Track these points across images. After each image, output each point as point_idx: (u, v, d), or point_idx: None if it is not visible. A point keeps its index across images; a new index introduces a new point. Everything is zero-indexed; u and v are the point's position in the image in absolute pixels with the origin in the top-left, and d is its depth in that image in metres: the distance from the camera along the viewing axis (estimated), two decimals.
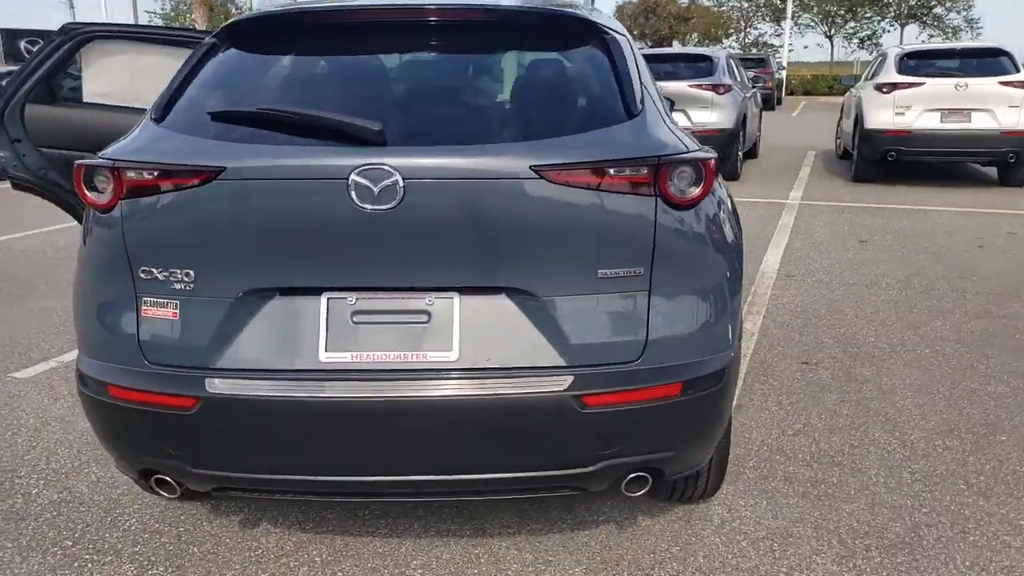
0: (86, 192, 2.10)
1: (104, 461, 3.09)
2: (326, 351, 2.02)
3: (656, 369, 2.04)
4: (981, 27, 36.06)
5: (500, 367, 1.99)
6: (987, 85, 8.98)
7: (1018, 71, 9.12)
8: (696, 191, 2.03)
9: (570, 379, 1.98)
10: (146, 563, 2.49)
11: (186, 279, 2.03)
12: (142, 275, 2.07)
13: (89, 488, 2.95)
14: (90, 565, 2.50)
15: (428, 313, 2.02)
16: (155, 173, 2.00)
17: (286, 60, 2.34)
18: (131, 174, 2.02)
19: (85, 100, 3.49)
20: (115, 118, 3.43)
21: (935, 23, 36.10)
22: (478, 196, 1.95)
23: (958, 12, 35.91)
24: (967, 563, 2.46)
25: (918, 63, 9.50)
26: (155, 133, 2.11)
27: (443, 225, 1.96)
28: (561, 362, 2.00)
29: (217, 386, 2.01)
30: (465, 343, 2.00)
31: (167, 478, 2.17)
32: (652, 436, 2.09)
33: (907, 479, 2.95)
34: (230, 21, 2.36)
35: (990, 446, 3.20)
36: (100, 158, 2.08)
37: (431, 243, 1.98)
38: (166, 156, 2.02)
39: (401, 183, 1.91)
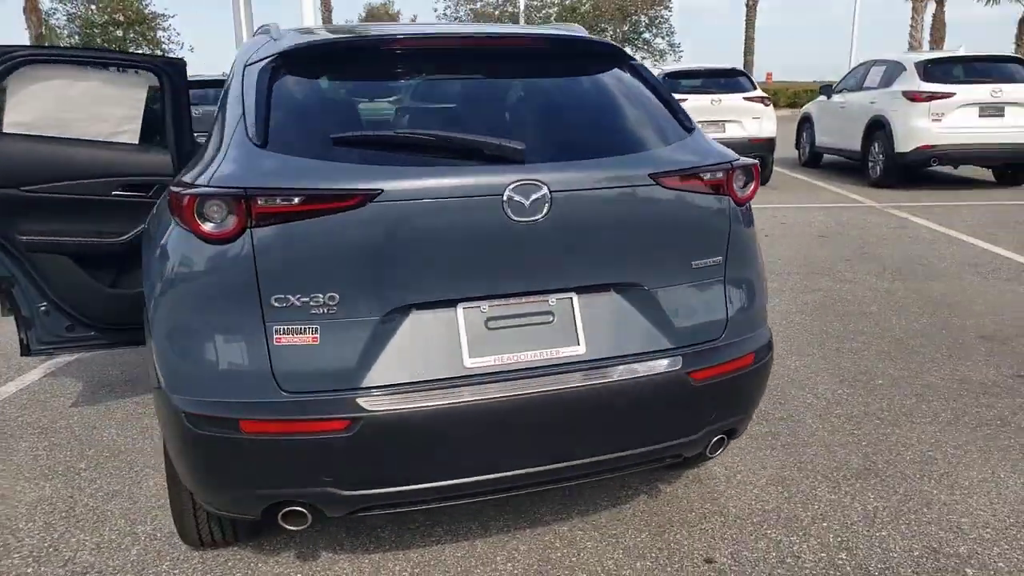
0: (199, 223, 2.02)
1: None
2: (470, 357, 2.13)
3: (735, 343, 2.41)
4: (682, 51, 42.11)
5: (622, 355, 2.24)
6: (734, 100, 10.51)
7: (755, 88, 10.79)
8: (750, 190, 2.43)
9: (680, 359, 2.28)
10: None
11: (329, 303, 2.04)
12: (275, 303, 2.04)
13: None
14: None
15: (552, 313, 2.22)
16: (300, 199, 1.99)
17: (372, 84, 2.39)
18: (263, 201, 1.99)
19: (4, 131, 3.13)
20: (33, 149, 3.13)
21: (645, 47, 41.05)
22: (605, 203, 2.19)
23: (663, 38, 41.49)
24: (915, 474, 3.11)
25: (677, 82, 10.84)
26: (276, 157, 2.08)
27: (574, 231, 2.17)
28: (670, 345, 2.29)
29: (370, 404, 2.04)
30: (589, 336, 2.22)
31: (300, 509, 2.14)
32: (737, 402, 2.45)
33: (837, 423, 3.59)
34: (306, 43, 2.35)
35: (876, 389, 3.97)
36: (217, 187, 2.01)
37: (561, 248, 2.18)
38: (311, 181, 2.01)
39: (548, 196, 2.09)
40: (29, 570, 2.62)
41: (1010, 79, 9.88)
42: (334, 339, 2.06)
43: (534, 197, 2.09)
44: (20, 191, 3.14)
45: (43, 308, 3.37)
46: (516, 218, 2.09)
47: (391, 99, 2.48)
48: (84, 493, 3.10)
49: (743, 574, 2.52)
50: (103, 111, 3.24)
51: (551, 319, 2.21)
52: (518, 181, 2.08)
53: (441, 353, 2.12)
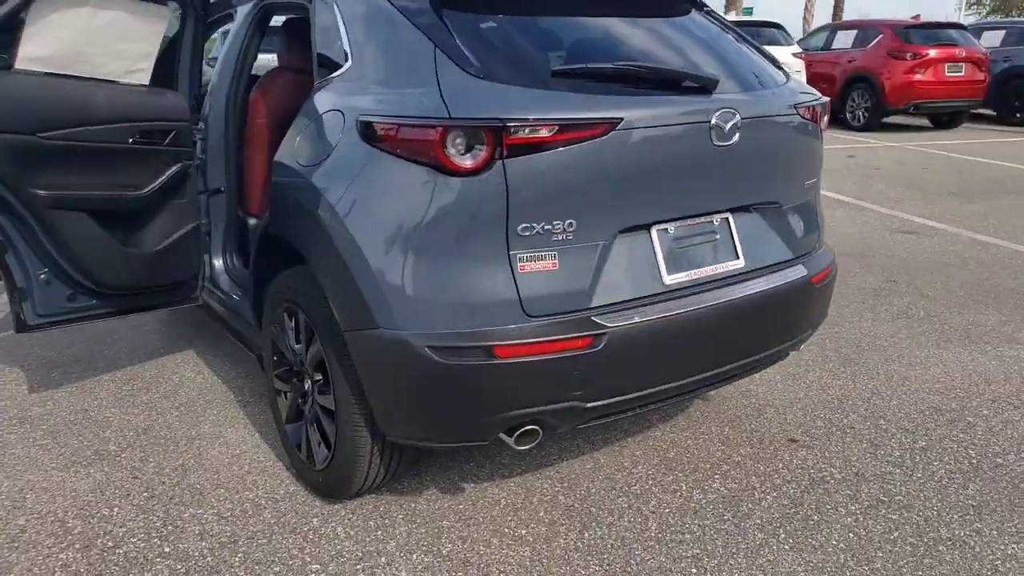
0: (448, 156, 2.03)
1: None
2: (668, 274, 2.35)
3: (825, 251, 2.85)
4: None
5: (769, 265, 2.58)
6: None
7: None
8: (826, 119, 2.86)
9: (803, 267, 2.67)
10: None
11: (568, 229, 2.15)
12: (520, 232, 2.10)
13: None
14: None
15: (716, 232, 2.50)
16: (554, 128, 2.06)
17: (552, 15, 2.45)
18: (521, 131, 2.04)
19: (16, 66, 2.69)
20: (49, 88, 2.76)
21: None
22: (769, 129, 2.49)
23: None
24: (882, 359, 3.81)
25: None
26: (513, 88, 2.11)
27: (745, 156, 2.44)
28: (795, 255, 2.67)
29: (606, 321, 2.20)
30: (745, 251, 2.53)
31: (534, 427, 2.24)
32: (825, 308, 2.89)
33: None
34: None
35: None
36: (474, 118, 2.02)
37: (733, 171, 2.44)
38: (560, 111, 2.08)
39: (740, 122, 2.35)
40: (171, 548, 2.41)
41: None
42: (570, 263, 2.17)
43: (731, 123, 2.33)
44: (38, 138, 2.73)
45: (42, 276, 2.96)
46: (717, 143, 2.32)
47: (571, 28, 2.53)
48: (147, 472, 2.84)
49: (821, 446, 3.00)
50: (123, 47, 2.89)
51: (716, 237, 2.48)
52: (722, 109, 2.31)
53: (646, 272, 2.31)
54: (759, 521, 2.54)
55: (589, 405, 2.24)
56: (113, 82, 2.92)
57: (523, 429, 2.23)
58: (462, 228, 2.09)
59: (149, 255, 3.15)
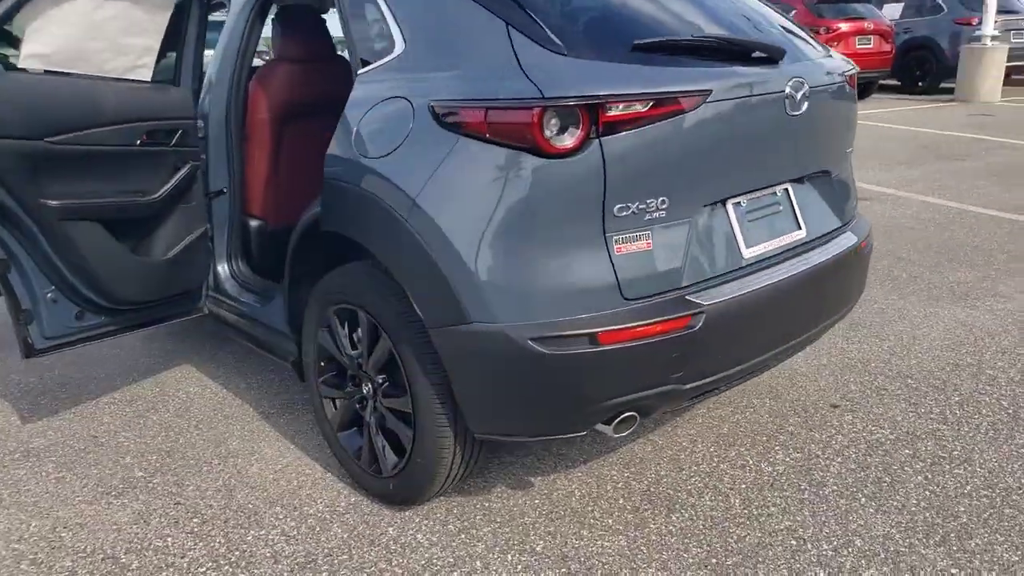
0: (544, 137, 1.95)
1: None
2: (746, 248, 2.33)
3: (863, 220, 2.89)
4: None
5: (826, 233, 2.59)
6: None
7: None
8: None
9: (851, 233, 2.70)
10: None
11: (661, 207, 2.10)
12: (617, 213, 2.04)
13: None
14: None
15: (779, 203, 2.49)
16: (649, 103, 2.00)
17: None
18: (618, 107, 1.97)
19: (20, 65, 2.44)
20: (55, 88, 2.53)
21: None
22: (827, 99, 2.48)
23: None
24: (883, 320, 3.92)
25: None
26: (602, 64, 2.03)
27: (808, 125, 2.43)
28: (842, 222, 2.70)
29: (701, 300, 2.16)
30: (805, 221, 2.53)
31: (633, 414, 2.19)
32: (866, 275, 2.92)
33: None
34: None
35: None
36: (569, 96, 1.94)
37: (798, 140, 2.43)
38: (652, 85, 2.02)
39: (808, 92, 2.34)
40: (247, 575, 2.25)
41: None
42: (663, 242, 2.12)
43: (802, 92, 2.32)
44: (45, 143, 2.49)
45: (49, 295, 2.73)
46: (790, 112, 2.31)
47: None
48: (188, 496, 2.65)
49: (864, 409, 3.05)
50: (126, 41, 2.67)
51: (780, 208, 2.47)
52: (794, 78, 2.29)
53: (728, 247, 2.28)
54: (836, 487, 2.56)
55: (687, 386, 2.19)
56: (118, 79, 2.69)
57: (622, 416, 2.17)
58: (558, 212, 2.01)
59: (160, 265, 2.94)
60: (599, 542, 2.34)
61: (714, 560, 2.24)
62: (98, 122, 2.60)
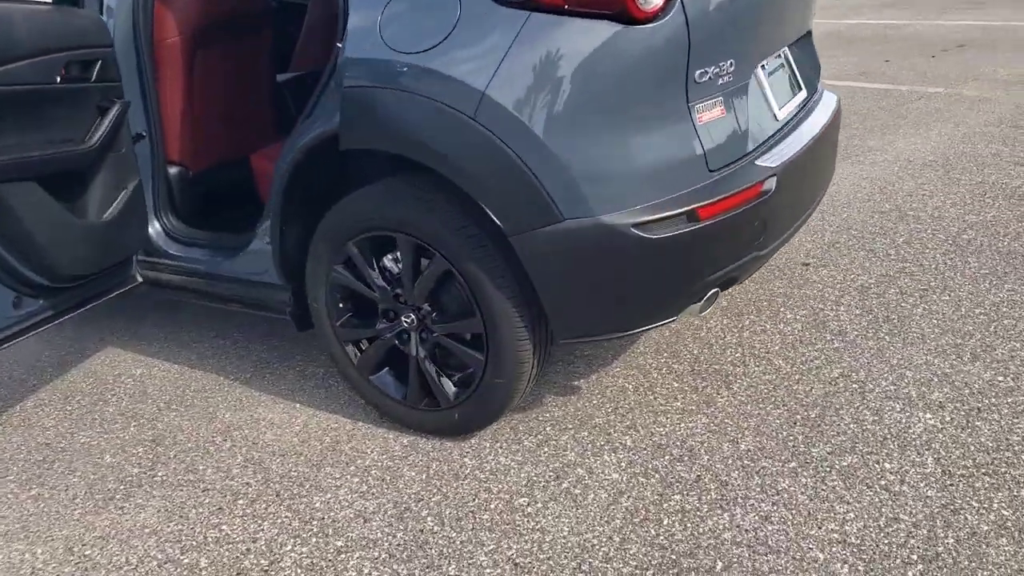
0: (635, 2, 1.82)
1: None
2: (778, 109, 2.35)
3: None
4: None
5: (817, 93, 2.67)
6: None
7: None
8: None
9: (832, 94, 2.80)
10: None
11: (729, 70, 2.04)
12: (697, 79, 1.96)
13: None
14: None
15: (784, 65, 2.52)
16: None
17: None
18: None
19: None
20: None
21: None
22: None
23: None
24: None
25: None
26: None
27: None
28: (818, 81, 2.78)
29: (766, 163, 2.16)
30: (803, 82, 2.59)
31: (717, 290, 2.16)
32: None
33: None
34: None
35: None
36: None
37: (797, 4, 2.46)
38: None
39: None
40: (344, 541, 2.02)
41: None
42: (731, 108, 2.07)
43: None
44: None
45: None
46: None
47: None
48: (213, 480, 2.33)
49: (832, 262, 3.25)
50: None
51: (787, 71, 2.50)
52: None
53: (767, 109, 2.28)
54: (857, 332, 2.71)
55: (765, 252, 2.20)
56: (25, 1, 2.17)
57: (709, 293, 2.14)
58: (645, 85, 1.90)
59: (99, 228, 2.48)
60: (683, 425, 2.33)
61: (798, 416, 2.31)
62: (14, 55, 2.09)
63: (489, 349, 2.15)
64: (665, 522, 1.97)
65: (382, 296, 2.29)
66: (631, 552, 1.89)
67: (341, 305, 2.41)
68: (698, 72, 1.94)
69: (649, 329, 2.11)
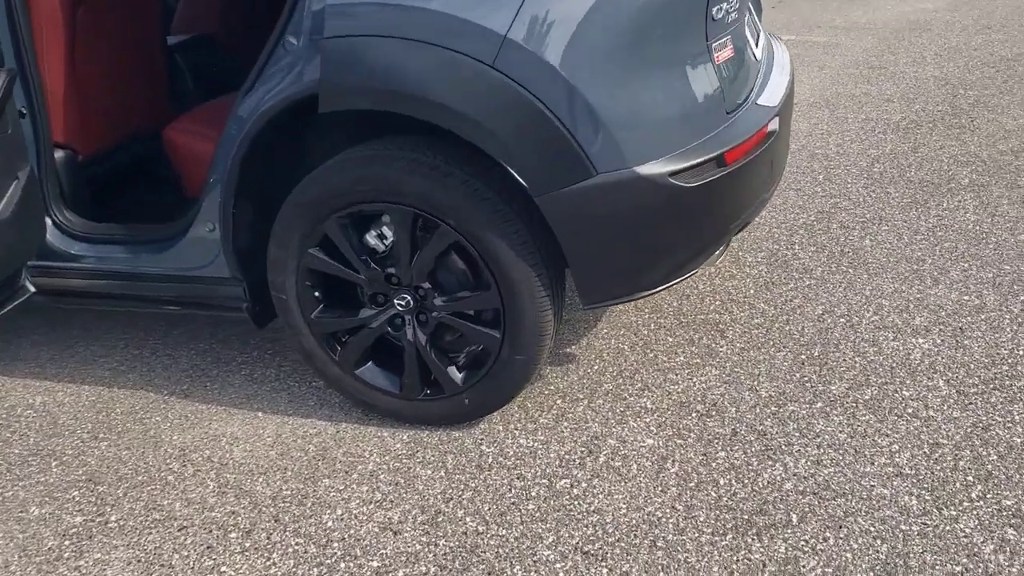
0: None
1: None
2: (755, 48, 2.29)
3: None
4: None
5: (767, 35, 2.64)
6: None
7: None
8: None
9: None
10: None
11: (735, 6, 1.95)
12: (715, 15, 1.86)
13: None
14: None
15: (748, 3, 2.47)
16: None
17: None
18: None
19: None
20: None
21: None
22: None
23: None
24: None
25: None
26: None
27: None
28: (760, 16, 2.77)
29: (769, 102, 2.09)
30: (756, 20, 2.55)
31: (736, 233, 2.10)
32: None
33: None
34: None
35: None
36: None
37: None
38: None
39: None
40: (396, 551, 1.78)
41: None
42: (736, 46, 2.00)
43: None
44: None
45: None
46: None
47: None
48: (187, 516, 2.00)
49: None
50: None
51: (744, 8, 2.45)
52: None
53: (751, 51, 2.21)
54: (820, 265, 2.74)
55: (768, 194, 2.15)
56: None
57: (729, 240, 2.06)
58: (674, 20, 1.78)
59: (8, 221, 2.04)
60: (696, 380, 2.25)
61: (803, 356, 2.30)
62: None
63: (507, 324, 1.96)
64: (721, 482, 1.88)
65: (371, 279, 2.03)
66: (700, 519, 1.79)
67: (317, 294, 2.12)
68: (715, 8, 1.84)
69: (673, 285, 2.00)
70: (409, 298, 2.02)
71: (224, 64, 3.17)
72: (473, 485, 1.95)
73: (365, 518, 1.90)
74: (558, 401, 2.22)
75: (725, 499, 1.83)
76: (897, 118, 4.04)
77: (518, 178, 1.77)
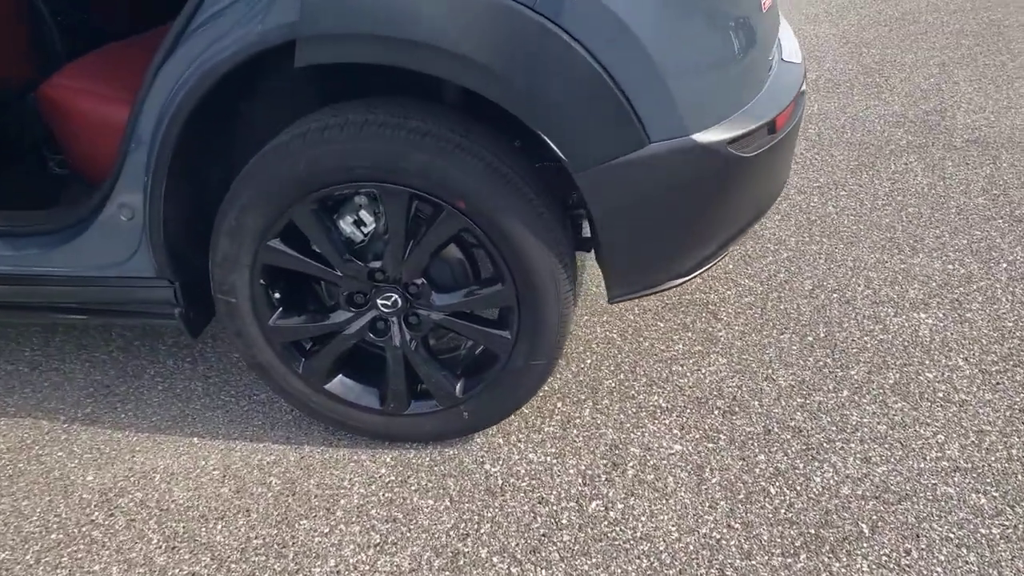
0: None
1: None
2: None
3: None
4: None
5: None
6: None
7: None
8: None
9: None
10: None
11: None
12: None
13: None
14: None
15: None
16: None
17: None
18: None
19: None
20: None
21: None
22: None
23: None
24: None
25: None
26: None
27: None
28: None
29: (792, 59, 1.89)
30: None
31: None
32: None
33: None
34: None
35: None
36: None
37: None
38: None
39: None
40: None
41: None
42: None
43: None
44: None
45: None
46: None
47: None
48: (154, 566, 1.58)
49: None
50: None
51: None
52: None
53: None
54: (792, 235, 2.60)
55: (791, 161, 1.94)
56: None
57: None
58: None
59: None
60: (704, 371, 2.04)
61: (809, 338, 2.13)
62: None
63: (521, 324, 1.65)
64: (772, 491, 1.68)
65: (350, 274, 1.65)
66: (764, 539, 1.57)
67: (278, 295, 1.71)
68: None
69: (707, 270, 1.76)
70: (396, 297, 1.67)
71: (97, 17, 2.60)
72: (489, 515, 1.65)
73: (368, 568, 1.55)
74: (558, 404, 1.94)
75: (783, 511, 1.62)
76: (813, 76, 3.98)
77: (556, 151, 1.45)
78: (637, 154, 1.45)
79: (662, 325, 2.21)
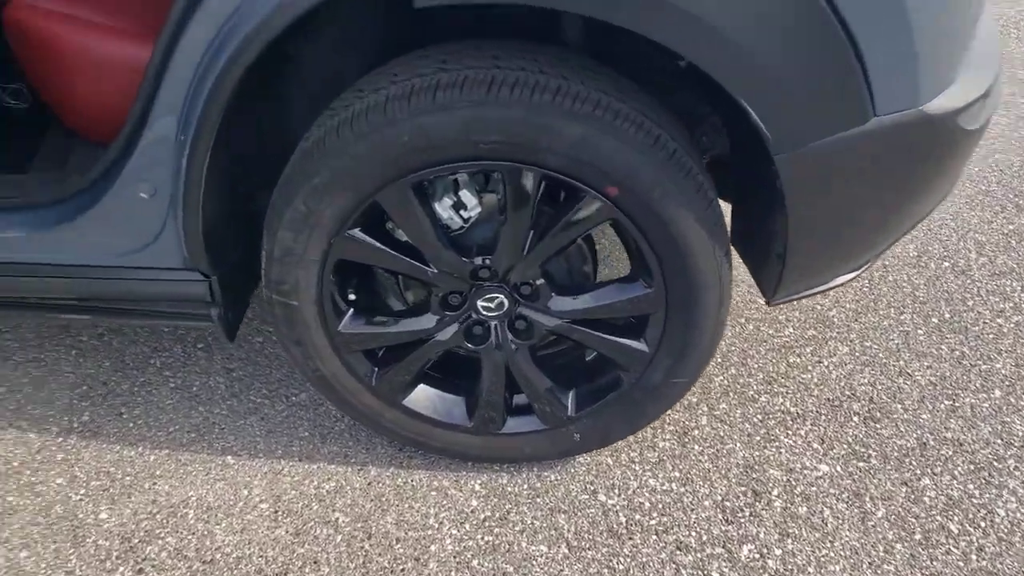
0: None
1: None
2: None
3: None
4: None
5: None
6: None
7: None
8: None
9: None
10: None
11: None
12: None
13: None
14: None
15: None
16: None
17: None
18: None
19: None
20: None
21: None
22: None
23: None
24: None
25: None
26: None
27: None
28: None
29: None
30: None
31: None
32: None
33: None
34: None
35: None
36: None
37: None
38: None
39: None
40: None
41: None
42: None
43: None
44: None
45: None
46: None
47: None
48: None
49: None
50: None
51: None
52: None
53: None
54: None
55: None
56: None
57: None
58: None
59: None
60: (826, 361, 1.75)
61: (935, 315, 1.86)
62: None
63: (666, 335, 1.31)
64: (953, 529, 1.42)
65: (447, 270, 1.28)
66: None
67: (354, 296, 1.33)
68: None
69: (868, 268, 1.45)
70: (503, 298, 1.30)
71: None
72: (621, 568, 1.35)
73: None
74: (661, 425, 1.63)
75: (975, 559, 1.37)
76: None
77: (759, 125, 1.08)
78: (857, 130, 1.10)
79: (761, 303, 1.90)
